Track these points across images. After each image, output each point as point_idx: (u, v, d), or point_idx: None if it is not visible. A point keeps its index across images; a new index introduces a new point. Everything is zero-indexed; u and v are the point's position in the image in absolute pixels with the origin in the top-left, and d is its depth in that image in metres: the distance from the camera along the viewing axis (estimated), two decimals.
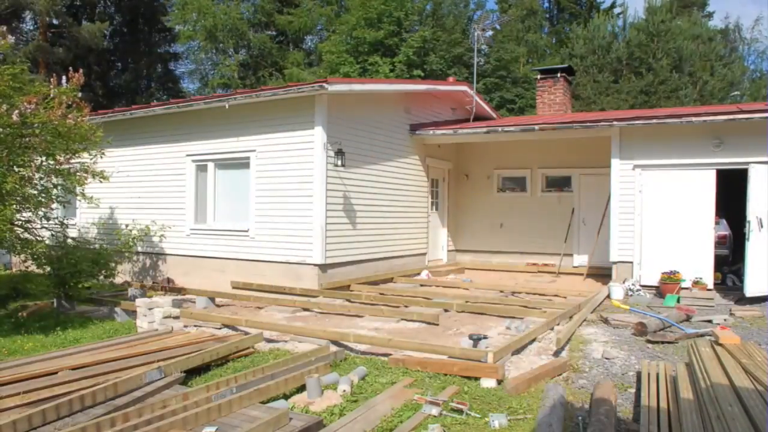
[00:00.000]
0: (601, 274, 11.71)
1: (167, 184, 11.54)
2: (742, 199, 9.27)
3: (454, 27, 23.85)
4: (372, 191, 10.99)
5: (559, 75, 14.80)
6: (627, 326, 7.16)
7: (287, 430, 4.02)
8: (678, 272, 9.45)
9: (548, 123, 11.29)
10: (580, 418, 4.33)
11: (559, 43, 28.78)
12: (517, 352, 6.07)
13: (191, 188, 11.22)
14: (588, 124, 10.81)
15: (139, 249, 11.63)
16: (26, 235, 8.83)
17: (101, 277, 9.91)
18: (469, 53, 22.53)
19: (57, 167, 8.63)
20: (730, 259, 11.73)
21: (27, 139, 8.04)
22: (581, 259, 12.70)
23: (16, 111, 7.57)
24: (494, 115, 15.16)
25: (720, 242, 11.21)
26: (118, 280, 11.35)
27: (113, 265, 9.94)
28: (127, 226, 11.14)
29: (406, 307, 8.46)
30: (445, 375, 5.39)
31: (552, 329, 7.01)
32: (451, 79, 15.56)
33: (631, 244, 10.24)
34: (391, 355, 5.95)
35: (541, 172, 13.48)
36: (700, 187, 9.82)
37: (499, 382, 5.15)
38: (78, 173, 8.90)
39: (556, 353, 6.03)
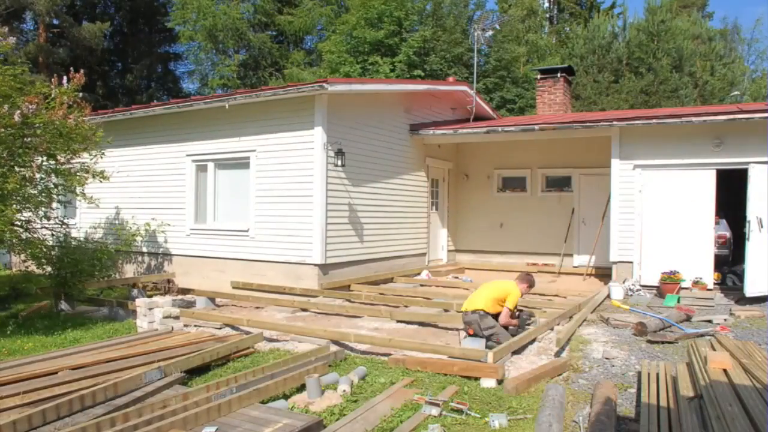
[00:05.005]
0: (601, 274, 11.72)
1: (167, 184, 11.54)
2: (742, 199, 9.27)
3: (454, 27, 23.79)
4: (372, 191, 10.99)
5: (559, 75, 14.80)
6: (627, 326, 7.16)
7: (287, 430, 4.02)
8: (678, 272, 9.45)
9: (548, 123, 11.29)
10: (580, 418, 4.33)
11: (559, 43, 28.78)
12: (518, 352, 6.07)
13: (191, 188, 11.22)
14: (588, 124, 10.81)
15: (143, 249, 11.64)
16: (26, 235, 8.83)
17: (103, 279, 9.91)
18: (469, 53, 22.51)
19: (57, 167, 8.64)
20: (730, 259, 11.73)
21: (28, 139, 8.04)
22: (581, 259, 12.69)
23: (18, 111, 7.57)
24: (494, 115, 15.16)
25: (720, 242, 11.21)
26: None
27: (118, 262, 9.93)
28: (126, 222, 11.15)
29: (406, 307, 8.47)
30: (445, 375, 5.39)
31: (552, 329, 7.01)
32: (451, 79, 15.56)
33: (631, 244, 10.24)
34: (391, 354, 5.96)
35: (541, 172, 13.48)
36: (700, 187, 9.82)
37: (499, 382, 5.15)
38: (78, 173, 8.90)
39: (557, 353, 6.03)
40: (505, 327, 6.37)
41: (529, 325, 6.67)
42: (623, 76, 22.78)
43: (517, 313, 6.62)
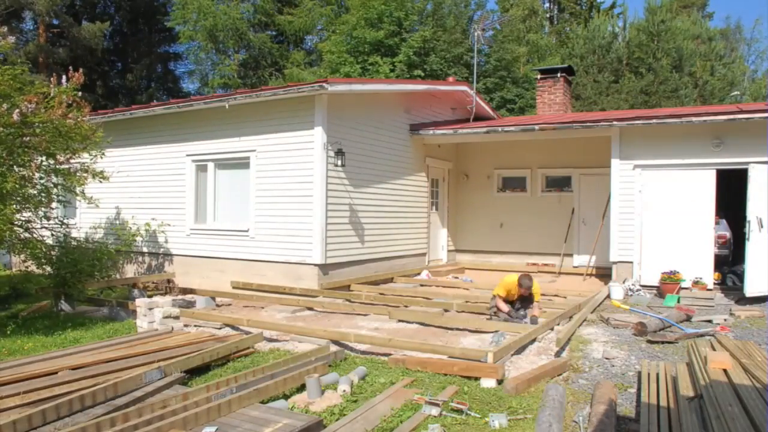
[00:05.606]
0: (601, 274, 11.72)
1: (167, 184, 11.54)
2: (742, 199, 9.27)
3: (454, 27, 23.79)
4: (372, 191, 10.99)
5: (559, 75, 14.79)
6: (627, 326, 7.16)
7: (287, 430, 4.02)
8: (678, 272, 9.45)
9: (548, 123, 11.29)
10: (580, 418, 4.33)
11: (559, 43, 28.77)
12: (518, 352, 6.07)
13: (191, 188, 11.22)
14: (588, 124, 10.81)
15: (143, 249, 11.63)
16: (26, 234, 8.83)
17: (103, 279, 9.91)
18: (470, 53, 22.50)
19: (57, 167, 8.63)
20: (730, 259, 11.72)
21: (27, 138, 8.04)
22: (581, 259, 12.69)
23: (17, 110, 7.56)
24: (494, 115, 15.16)
25: (720, 242, 11.20)
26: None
27: (119, 262, 9.91)
28: (126, 222, 11.16)
29: (406, 307, 8.46)
30: (445, 375, 5.39)
31: (552, 329, 7.01)
32: (451, 79, 15.57)
33: (631, 244, 10.24)
34: (391, 354, 5.96)
35: (541, 172, 13.47)
36: (700, 187, 9.82)
37: (499, 382, 5.15)
38: (78, 173, 8.90)
39: (557, 353, 6.03)
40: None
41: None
42: (623, 76, 22.78)
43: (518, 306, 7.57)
